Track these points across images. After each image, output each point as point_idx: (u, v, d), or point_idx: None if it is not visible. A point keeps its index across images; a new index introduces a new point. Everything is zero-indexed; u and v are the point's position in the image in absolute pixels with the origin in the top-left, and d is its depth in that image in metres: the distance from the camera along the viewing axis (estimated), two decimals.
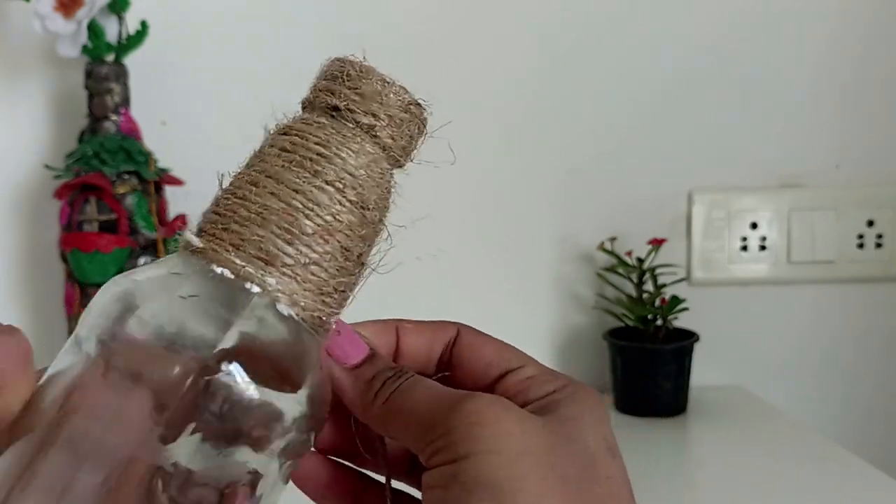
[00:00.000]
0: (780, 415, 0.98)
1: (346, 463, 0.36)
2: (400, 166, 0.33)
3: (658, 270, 0.98)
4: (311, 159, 0.30)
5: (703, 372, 1.02)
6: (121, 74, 0.91)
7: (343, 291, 0.31)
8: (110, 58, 0.90)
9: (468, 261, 1.03)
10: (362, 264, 0.31)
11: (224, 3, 0.99)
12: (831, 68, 1.05)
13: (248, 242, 0.29)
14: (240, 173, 0.31)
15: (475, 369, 0.35)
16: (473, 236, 1.03)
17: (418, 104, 0.33)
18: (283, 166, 0.30)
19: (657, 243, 0.98)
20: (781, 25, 1.05)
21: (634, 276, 0.98)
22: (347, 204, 0.30)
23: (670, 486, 0.81)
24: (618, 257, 0.99)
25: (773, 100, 1.05)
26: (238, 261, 0.29)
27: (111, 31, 0.90)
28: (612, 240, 1.00)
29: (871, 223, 1.06)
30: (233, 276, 0.29)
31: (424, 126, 0.34)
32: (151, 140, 0.94)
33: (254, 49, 1.00)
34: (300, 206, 0.30)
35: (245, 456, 0.28)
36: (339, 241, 0.30)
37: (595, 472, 0.30)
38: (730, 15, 1.04)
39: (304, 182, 0.30)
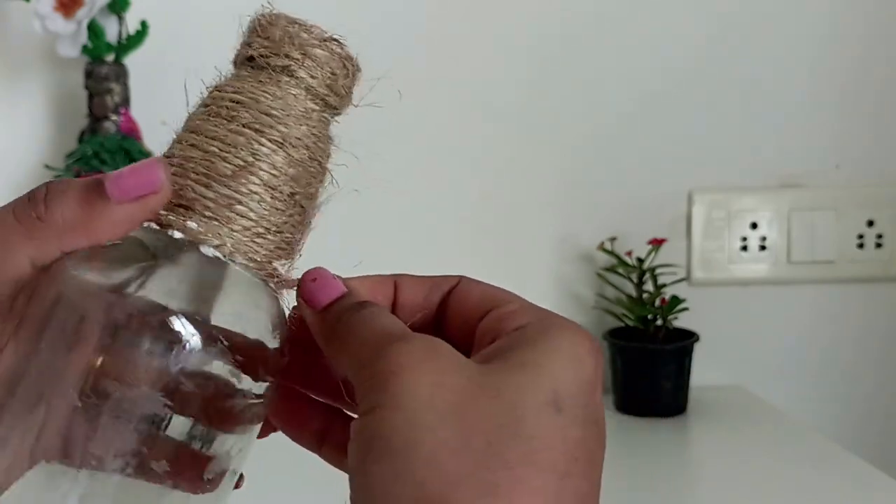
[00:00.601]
0: (780, 415, 0.98)
1: (325, 401, 0.34)
2: (333, 107, 0.33)
3: (658, 270, 0.98)
4: (226, 107, 0.31)
5: (703, 372, 1.02)
6: (121, 74, 0.91)
7: (281, 232, 0.31)
8: (110, 58, 0.90)
9: (468, 261, 1.03)
10: (300, 206, 0.31)
11: (224, 3, 0.99)
12: (831, 68, 1.05)
13: (176, 193, 0.29)
14: (174, 138, 0.32)
15: (464, 312, 0.32)
16: (473, 236, 1.03)
17: (335, 39, 0.33)
18: (203, 119, 0.31)
19: (657, 243, 0.99)
20: (781, 25, 1.05)
21: (634, 276, 0.98)
22: (267, 143, 0.30)
23: (670, 486, 0.81)
24: (618, 257, 0.99)
25: (773, 100, 1.05)
26: (162, 211, 0.29)
27: (111, 31, 0.90)
28: (612, 240, 1.00)
29: (871, 223, 1.06)
30: (158, 227, 0.29)
31: (351, 64, 0.33)
32: (151, 140, 0.94)
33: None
34: (216, 150, 0.30)
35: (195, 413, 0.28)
36: (261, 180, 0.30)
37: (515, 431, 0.26)
38: (730, 15, 1.04)
39: (219, 128, 0.30)
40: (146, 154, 0.91)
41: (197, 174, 0.30)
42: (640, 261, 0.98)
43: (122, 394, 0.27)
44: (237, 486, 0.33)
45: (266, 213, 0.30)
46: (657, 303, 0.97)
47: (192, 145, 0.30)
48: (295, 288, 0.32)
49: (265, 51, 0.32)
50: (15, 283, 0.29)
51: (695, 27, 1.04)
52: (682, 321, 0.99)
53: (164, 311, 0.28)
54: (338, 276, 0.32)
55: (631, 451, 0.89)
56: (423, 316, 0.33)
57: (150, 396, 0.27)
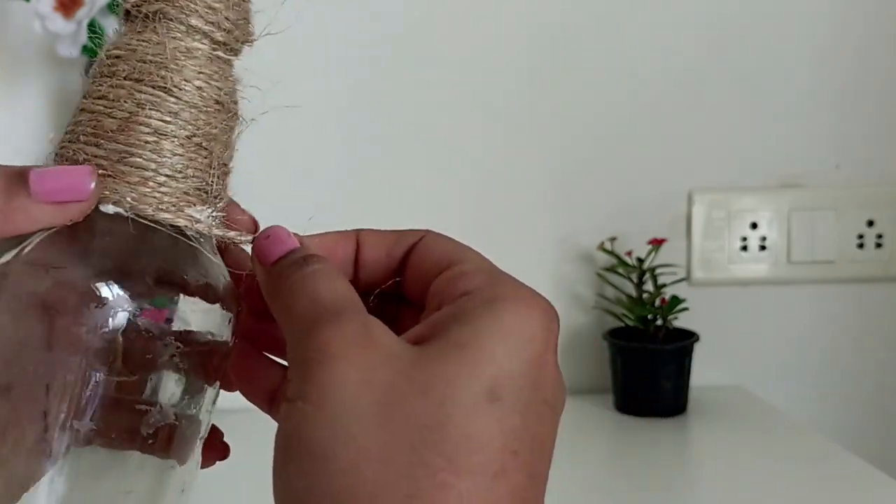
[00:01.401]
0: (780, 415, 0.98)
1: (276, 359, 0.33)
2: (223, 43, 0.33)
3: (658, 270, 0.98)
4: (108, 64, 0.30)
5: (703, 372, 1.02)
6: None
7: (187, 178, 0.30)
8: None
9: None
10: (203, 148, 0.30)
11: None
12: (831, 68, 1.05)
13: (68, 161, 0.30)
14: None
15: (423, 270, 0.30)
16: (473, 236, 1.03)
17: None
18: (91, 82, 0.31)
19: (657, 243, 0.99)
20: (782, 25, 1.05)
21: (634, 276, 0.98)
22: (149, 90, 0.29)
23: (670, 486, 0.81)
24: (618, 257, 0.99)
25: (773, 100, 1.05)
26: None
27: (111, 31, 0.90)
28: (612, 240, 1.00)
29: (871, 223, 1.06)
30: None
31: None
32: None
33: (253, 49, 0.99)
34: (101, 108, 0.30)
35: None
36: (151, 128, 0.29)
37: (443, 434, 0.24)
38: (730, 15, 1.04)
39: (102, 86, 0.30)
40: None
41: (86, 136, 0.29)
42: (640, 261, 0.98)
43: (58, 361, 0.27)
44: (222, 456, 0.32)
45: (163, 160, 0.29)
46: (657, 303, 0.97)
47: (82, 109, 0.30)
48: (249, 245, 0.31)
49: (137, 0, 0.31)
50: None
51: (695, 27, 1.04)
52: (682, 321, 0.99)
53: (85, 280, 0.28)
54: (295, 234, 0.31)
55: (631, 451, 0.89)
56: (384, 274, 0.31)
57: (72, 362, 0.27)
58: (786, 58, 1.05)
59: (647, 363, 0.96)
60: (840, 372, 1.08)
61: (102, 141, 0.29)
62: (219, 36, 0.32)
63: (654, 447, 0.89)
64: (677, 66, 1.04)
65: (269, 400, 0.32)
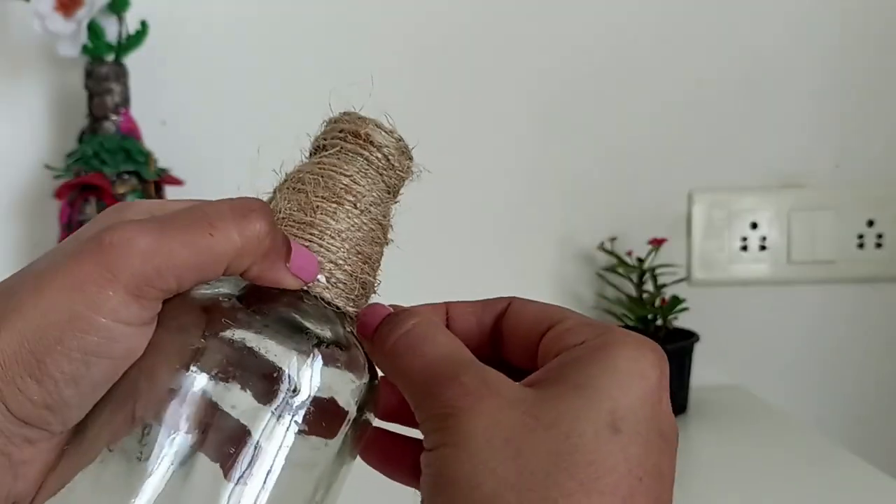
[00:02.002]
0: (780, 415, 0.98)
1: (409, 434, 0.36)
2: (392, 187, 0.38)
3: (658, 270, 0.98)
4: (298, 179, 0.36)
5: (703, 372, 1.02)
6: (121, 74, 0.91)
7: (350, 273, 0.35)
8: (110, 58, 0.90)
9: (469, 261, 1.03)
10: (363, 253, 0.35)
11: (224, 3, 0.99)
12: (831, 68, 1.05)
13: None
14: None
15: (521, 334, 0.33)
16: (473, 236, 1.03)
17: (402, 139, 0.37)
18: (291, 179, 0.36)
19: (657, 243, 0.98)
20: (781, 26, 1.05)
21: (634, 276, 0.98)
22: (357, 214, 0.35)
23: None
24: (618, 257, 0.99)
25: (772, 100, 1.05)
26: None
27: (111, 31, 0.90)
28: (612, 240, 1.00)
29: (871, 223, 1.06)
30: None
31: (406, 149, 0.38)
32: (151, 140, 0.94)
33: (253, 49, 1.00)
34: (294, 206, 0.35)
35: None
36: (333, 230, 0.34)
37: (573, 460, 0.27)
38: (730, 16, 1.04)
39: (298, 188, 0.35)
40: (146, 154, 0.91)
41: (291, 224, 0.35)
42: (641, 261, 0.98)
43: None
44: None
45: (338, 255, 0.34)
46: (657, 303, 0.97)
47: (289, 188, 0.36)
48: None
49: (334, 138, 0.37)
50: (203, 281, 0.31)
51: (695, 27, 1.04)
52: (682, 321, 0.99)
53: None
54: (391, 305, 0.35)
55: None
56: (476, 342, 0.34)
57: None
58: (786, 58, 1.05)
59: None
60: (840, 372, 1.08)
61: (321, 239, 0.34)
62: (392, 180, 0.37)
63: None
64: (677, 67, 1.04)
65: (414, 476, 0.34)
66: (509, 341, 0.34)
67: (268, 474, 0.30)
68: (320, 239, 0.34)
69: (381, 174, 0.36)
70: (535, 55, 1.02)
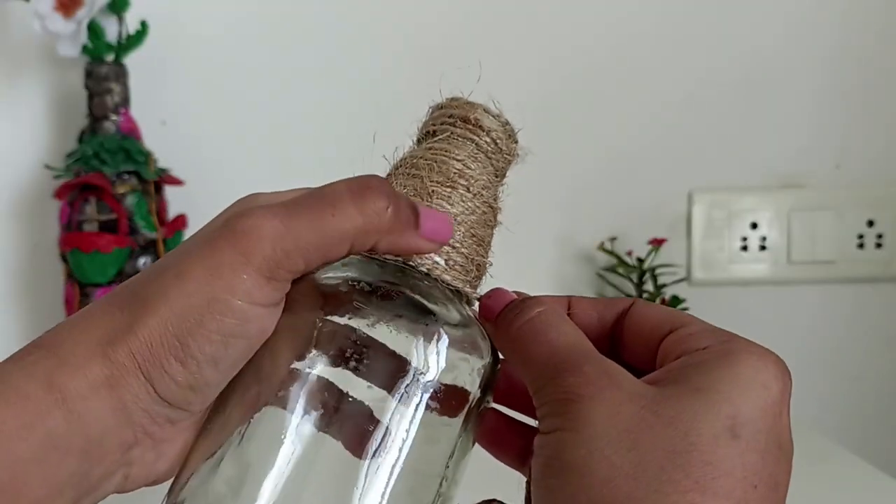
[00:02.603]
0: None
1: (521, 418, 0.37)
2: (500, 170, 0.39)
3: (658, 270, 0.98)
4: (416, 156, 0.37)
5: None
6: (121, 74, 0.91)
7: (466, 254, 0.36)
8: (110, 58, 0.90)
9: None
10: (476, 235, 0.36)
11: (224, 3, 0.99)
12: (831, 68, 1.05)
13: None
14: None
15: (642, 333, 0.34)
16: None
17: (498, 115, 0.39)
18: (412, 155, 0.37)
19: (657, 243, 0.98)
20: (781, 26, 1.05)
21: (634, 276, 0.98)
22: (470, 198, 0.36)
23: None
24: (618, 257, 0.99)
25: (773, 100, 1.05)
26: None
27: (111, 31, 0.90)
28: (612, 240, 1.00)
29: (871, 223, 1.06)
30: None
31: (512, 130, 0.40)
32: (151, 140, 0.94)
33: (253, 49, 1.00)
34: (415, 183, 0.35)
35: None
36: (469, 229, 0.35)
37: (689, 458, 0.27)
38: (730, 16, 1.04)
39: (438, 186, 0.35)
40: (146, 154, 0.91)
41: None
42: (640, 261, 0.98)
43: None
44: None
45: (455, 238, 0.35)
46: (657, 303, 0.97)
47: (412, 163, 0.36)
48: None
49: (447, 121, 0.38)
50: (329, 261, 0.32)
51: (695, 27, 1.04)
52: None
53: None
54: (515, 291, 0.36)
55: None
56: (595, 337, 0.34)
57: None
58: (786, 58, 1.05)
59: None
60: (840, 372, 1.08)
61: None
62: (499, 163, 0.38)
63: None
64: (677, 67, 1.04)
65: (521, 460, 0.36)
66: (630, 341, 0.34)
67: (400, 450, 0.31)
68: None
69: (490, 158, 0.37)
70: (535, 55, 1.02)
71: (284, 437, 0.31)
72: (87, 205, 0.88)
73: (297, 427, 0.31)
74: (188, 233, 0.93)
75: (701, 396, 0.28)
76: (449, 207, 0.35)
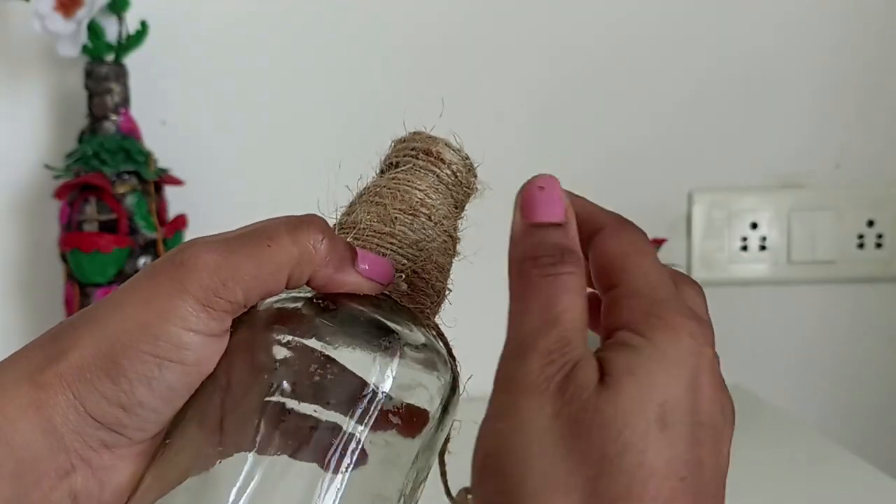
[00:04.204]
0: (779, 415, 0.98)
1: None
2: (460, 202, 0.41)
3: None
4: (374, 192, 0.38)
5: None
6: (121, 74, 0.91)
7: (425, 279, 0.37)
8: (110, 58, 0.90)
9: (468, 260, 1.03)
10: (437, 262, 0.38)
11: (224, 3, 0.99)
12: (831, 68, 1.05)
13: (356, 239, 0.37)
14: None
15: (598, 275, 0.32)
16: (473, 236, 1.03)
17: (468, 157, 0.41)
18: (364, 193, 0.38)
19: (657, 243, 0.98)
20: (782, 26, 1.05)
21: None
22: (432, 226, 0.38)
23: None
24: None
25: (773, 100, 1.05)
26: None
27: (111, 31, 0.90)
28: None
29: (871, 223, 1.06)
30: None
31: (471, 164, 0.41)
32: (151, 140, 0.94)
33: (254, 49, 1.00)
34: (374, 216, 0.37)
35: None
36: (409, 240, 0.36)
37: (619, 465, 0.27)
38: (730, 16, 1.04)
39: (374, 201, 0.37)
40: (146, 154, 0.91)
41: (367, 233, 0.37)
42: None
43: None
44: None
45: (414, 263, 0.37)
46: None
47: (361, 203, 0.37)
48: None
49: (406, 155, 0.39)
50: (270, 293, 0.33)
51: (694, 27, 1.04)
52: None
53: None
54: (567, 196, 0.35)
55: None
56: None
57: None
58: (786, 58, 1.05)
59: None
60: (840, 372, 1.08)
61: (397, 250, 0.36)
62: (459, 196, 0.40)
63: None
64: (677, 66, 1.04)
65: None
66: (591, 274, 0.33)
67: (358, 468, 0.31)
68: (400, 247, 0.36)
69: (450, 190, 0.39)
70: (535, 55, 1.02)
71: (246, 465, 0.31)
72: (87, 205, 0.88)
73: (257, 454, 0.31)
74: (188, 233, 0.93)
75: (633, 388, 0.28)
76: (411, 234, 0.36)
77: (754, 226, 1.05)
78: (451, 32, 1.01)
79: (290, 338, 0.32)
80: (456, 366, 0.35)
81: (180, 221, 0.93)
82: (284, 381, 0.32)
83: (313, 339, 0.32)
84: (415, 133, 0.40)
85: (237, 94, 0.99)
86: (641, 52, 1.03)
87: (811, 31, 1.05)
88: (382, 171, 0.39)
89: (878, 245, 1.06)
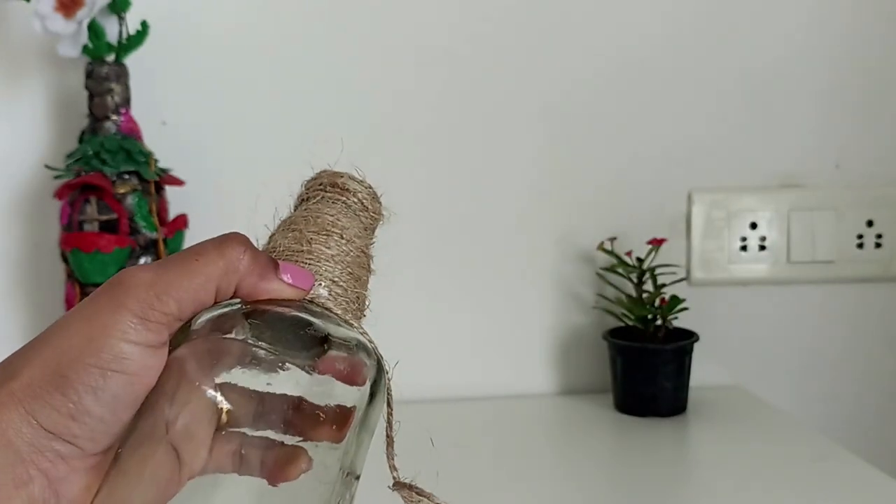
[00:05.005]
0: (780, 415, 0.98)
1: None
2: (369, 226, 0.43)
3: (658, 270, 0.98)
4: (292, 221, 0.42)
5: (703, 372, 1.02)
6: (121, 74, 0.91)
7: (345, 289, 0.40)
8: (110, 58, 0.90)
9: (468, 260, 1.03)
10: (353, 274, 0.41)
11: (224, 4, 0.99)
12: (831, 68, 1.05)
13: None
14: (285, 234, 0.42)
15: None
16: (474, 236, 1.03)
17: (362, 181, 0.44)
18: (286, 222, 0.42)
19: (657, 243, 0.99)
20: (782, 25, 1.05)
21: (634, 276, 0.98)
22: (344, 243, 0.41)
23: (670, 486, 0.81)
24: (618, 257, 0.99)
25: (773, 100, 1.05)
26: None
27: (111, 31, 0.90)
28: (612, 240, 1.00)
29: (870, 223, 1.06)
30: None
31: (376, 194, 0.44)
32: (151, 140, 0.94)
33: (254, 49, 1.00)
34: (291, 239, 0.41)
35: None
36: (327, 255, 0.40)
37: None
38: (731, 15, 1.04)
39: (293, 227, 0.41)
40: (146, 154, 0.91)
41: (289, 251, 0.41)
42: (640, 261, 0.98)
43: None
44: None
45: (335, 276, 0.40)
46: (657, 303, 0.97)
47: (283, 231, 0.42)
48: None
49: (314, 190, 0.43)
50: (201, 304, 0.36)
51: (695, 27, 1.04)
52: (681, 321, 0.99)
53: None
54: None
55: (630, 451, 0.89)
56: None
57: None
58: (786, 58, 1.05)
59: (646, 363, 0.96)
60: (840, 372, 1.08)
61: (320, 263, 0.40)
62: (367, 220, 0.43)
63: (653, 447, 0.89)
64: (677, 67, 1.04)
65: None
66: None
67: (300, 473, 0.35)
68: (317, 262, 0.40)
69: (358, 215, 0.42)
70: (535, 55, 1.02)
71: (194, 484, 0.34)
72: (87, 205, 0.88)
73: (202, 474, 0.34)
74: (188, 233, 0.93)
75: None
76: (326, 250, 0.40)
77: (754, 226, 1.05)
78: (452, 34, 1.01)
79: (219, 344, 0.35)
80: (380, 354, 0.39)
81: (181, 221, 0.93)
82: (224, 401, 0.35)
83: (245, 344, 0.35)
84: (322, 171, 0.44)
85: (237, 94, 0.99)
86: (641, 52, 1.03)
87: (811, 32, 1.05)
88: (296, 207, 0.44)
89: (878, 245, 1.06)
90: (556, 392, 1.05)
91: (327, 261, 0.40)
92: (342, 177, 0.43)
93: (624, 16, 1.03)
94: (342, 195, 0.42)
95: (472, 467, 0.84)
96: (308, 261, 0.39)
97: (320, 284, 0.39)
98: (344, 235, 0.41)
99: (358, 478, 0.37)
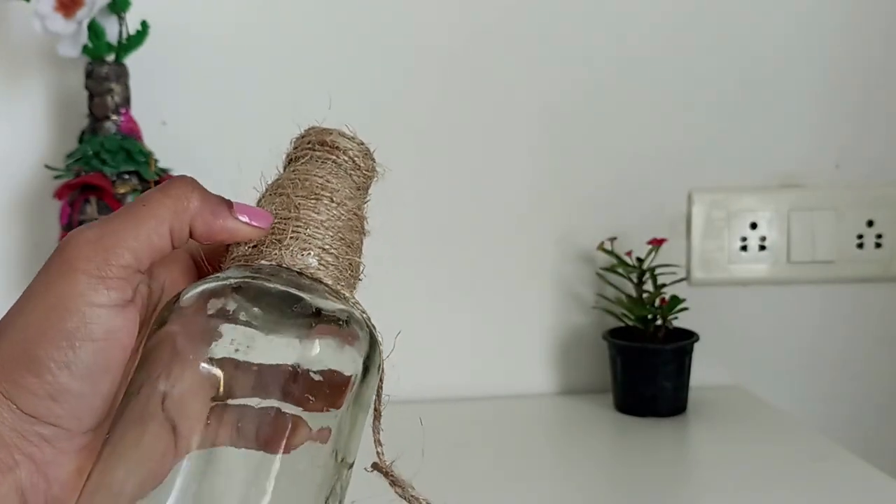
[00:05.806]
0: (780, 415, 0.98)
1: None
2: (361, 185, 0.41)
3: (658, 270, 0.98)
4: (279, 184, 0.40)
5: (703, 372, 1.02)
6: (121, 74, 0.91)
7: (335, 255, 0.38)
8: (111, 58, 0.90)
9: (468, 260, 1.03)
10: (344, 239, 0.39)
11: (225, 4, 0.99)
12: (831, 68, 1.05)
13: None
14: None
15: None
16: (474, 236, 1.03)
17: (353, 137, 0.41)
18: (275, 184, 0.41)
19: (657, 243, 0.99)
20: (782, 25, 1.05)
21: (634, 276, 0.98)
22: (335, 206, 0.39)
23: (670, 486, 0.81)
24: (618, 257, 0.99)
25: (772, 99, 1.05)
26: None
27: (111, 31, 0.90)
28: (612, 240, 1.00)
29: (870, 223, 1.06)
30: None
31: (368, 151, 0.41)
32: (151, 140, 0.94)
33: (254, 49, 1.00)
34: (279, 203, 0.39)
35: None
36: (316, 220, 0.38)
37: None
38: (731, 14, 1.04)
39: (281, 190, 0.39)
40: (146, 154, 0.91)
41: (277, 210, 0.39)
42: (640, 261, 0.98)
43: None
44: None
45: (325, 241, 0.38)
46: (657, 303, 0.97)
47: (271, 194, 0.40)
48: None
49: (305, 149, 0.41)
50: (158, 250, 0.34)
51: (694, 26, 1.04)
52: (681, 321, 0.99)
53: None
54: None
55: (630, 451, 0.89)
56: None
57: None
58: (786, 58, 1.05)
59: (646, 363, 0.96)
60: (840, 372, 1.08)
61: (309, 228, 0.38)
62: (360, 179, 0.41)
63: (653, 447, 0.89)
64: (677, 67, 1.04)
65: None
66: None
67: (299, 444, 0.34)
68: (305, 228, 0.37)
69: (349, 174, 0.40)
70: (535, 55, 1.02)
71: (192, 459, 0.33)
72: (87, 205, 0.88)
73: (200, 448, 0.33)
74: None
75: None
76: (315, 215, 0.38)
77: (754, 226, 1.05)
78: (453, 45, 1.01)
79: (209, 324, 0.34)
80: (373, 325, 0.37)
81: None
82: (219, 373, 0.33)
83: (234, 327, 0.34)
84: (310, 128, 0.42)
85: (237, 94, 0.99)
86: (642, 52, 1.03)
87: (811, 32, 1.05)
88: (284, 168, 0.41)
89: (878, 245, 1.06)
90: (556, 392, 1.05)
91: (317, 227, 0.38)
92: (331, 134, 0.41)
93: (623, 16, 1.03)
94: (332, 153, 0.40)
95: (472, 467, 0.84)
96: (296, 228, 0.37)
97: (309, 253, 0.37)
98: (334, 198, 0.39)
99: (351, 466, 0.36)
